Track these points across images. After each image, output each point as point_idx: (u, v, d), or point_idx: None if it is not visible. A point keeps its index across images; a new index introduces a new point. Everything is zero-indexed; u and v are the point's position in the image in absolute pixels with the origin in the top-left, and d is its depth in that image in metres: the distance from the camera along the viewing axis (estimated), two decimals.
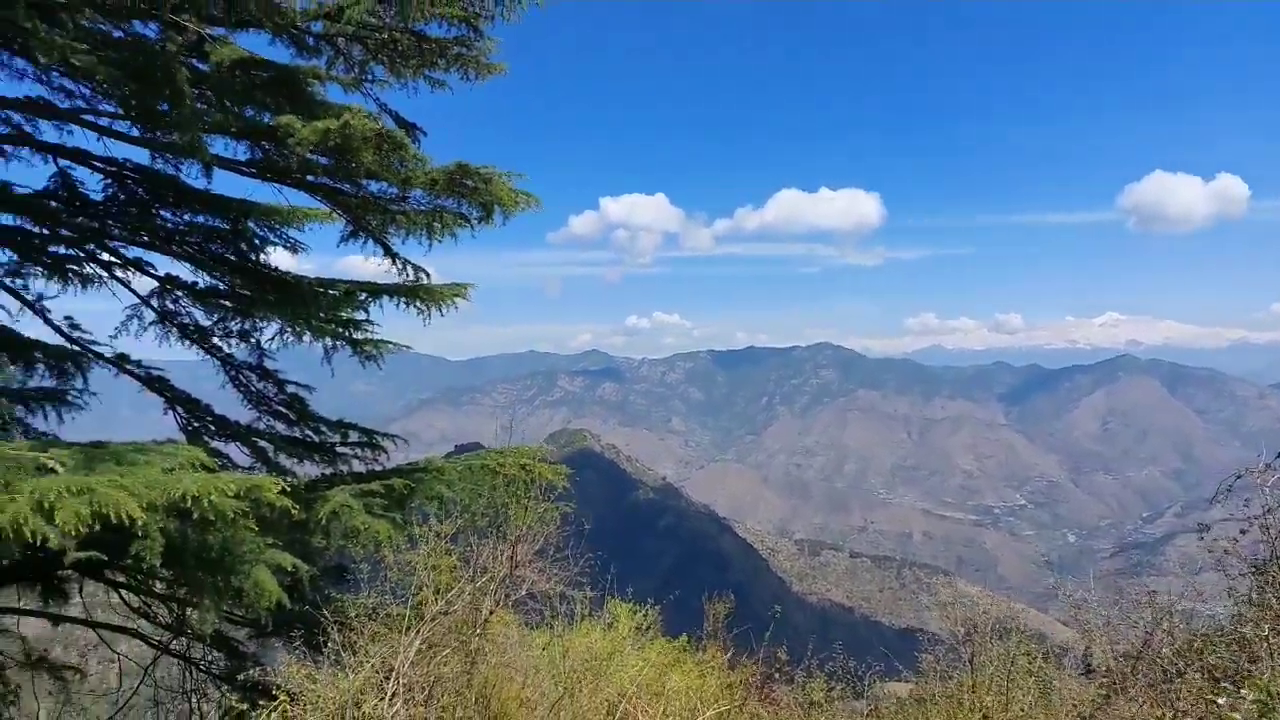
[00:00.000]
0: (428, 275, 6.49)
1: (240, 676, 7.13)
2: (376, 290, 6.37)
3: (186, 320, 6.78)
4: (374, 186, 5.96)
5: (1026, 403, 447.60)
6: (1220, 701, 5.21)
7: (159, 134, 5.61)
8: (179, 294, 6.61)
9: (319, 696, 4.93)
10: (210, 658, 7.46)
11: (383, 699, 4.90)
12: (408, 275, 6.50)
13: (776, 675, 8.73)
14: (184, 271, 6.50)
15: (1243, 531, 6.75)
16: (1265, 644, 5.38)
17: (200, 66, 5.37)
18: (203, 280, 6.54)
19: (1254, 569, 6.67)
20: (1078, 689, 7.84)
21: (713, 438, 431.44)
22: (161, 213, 6.28)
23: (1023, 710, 6.96)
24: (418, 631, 5.31)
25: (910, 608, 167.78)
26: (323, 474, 6.87)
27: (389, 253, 6.40)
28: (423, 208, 5.98)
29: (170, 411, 6.91)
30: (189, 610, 6.80)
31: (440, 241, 6.05)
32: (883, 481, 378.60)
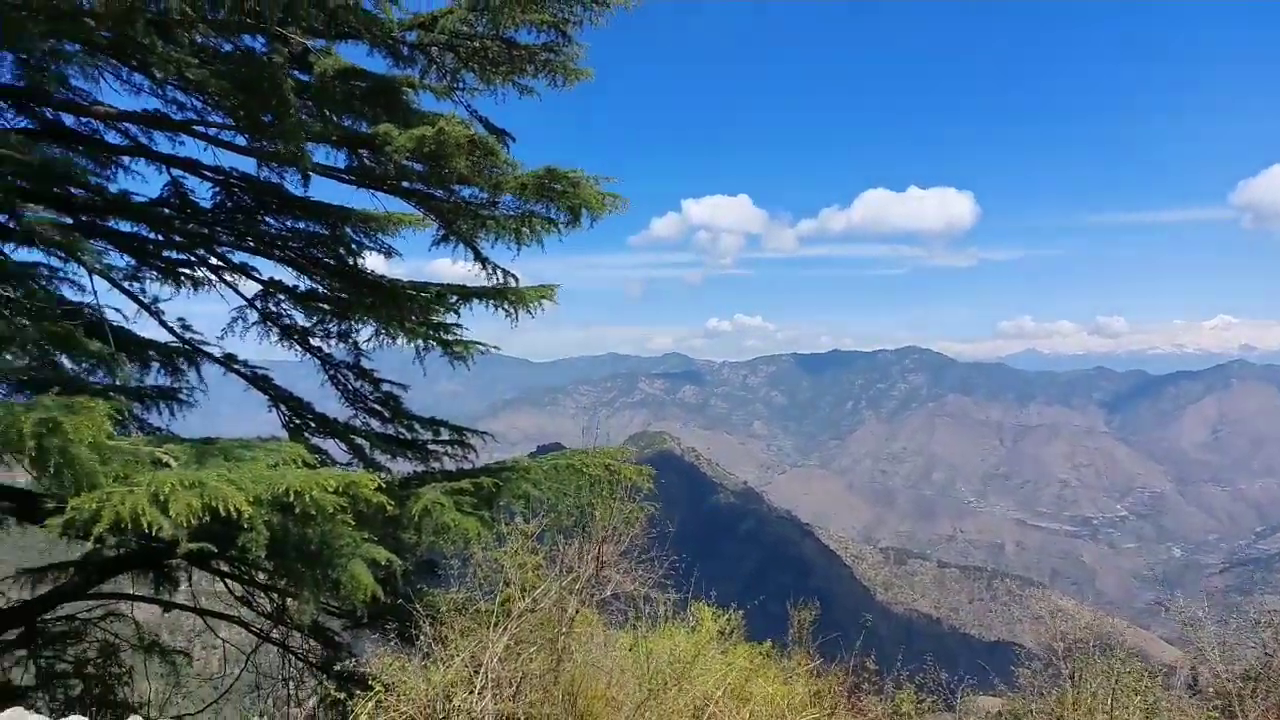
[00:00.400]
0: (515, 279, 6.60)
1: (336, 666, 7.38)
2: (466, 293, 6.51)
3: (288, 322, 7.08)
4: (465, 192, 6.07)
5: (1129, 410, 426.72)
6: None
7: (264, 143, 5.86)
8: (281, 297, 6.90)
9: (411, 688, 5.05)
10: (307, 647, 7.75)
11: (472, 693, 4.99)
12: (496, 279, 6.61)
13: (864, 685, 8.54)
14: (286, 275, 6.79)
15: None
16: None
17: (302, 77, 5.60)
18: (303, 284, 6.82)
19: None
20: (1191, 711, 7.43)
21: (795, 442, 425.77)
22: (265, 219, 6.56)
23: None
24: (505, 628, 5.38)
25: (1001, 620, 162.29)
26: (415, 471, 7.07)
27: (478, 257, 6.52)
28: (512, 212, 6.06)
29: (274, 409, 7.22)
30: (289, 600, 7.08)
31: (528, 245, 6.12)
32: (973, 490, 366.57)
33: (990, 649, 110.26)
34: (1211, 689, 7.56)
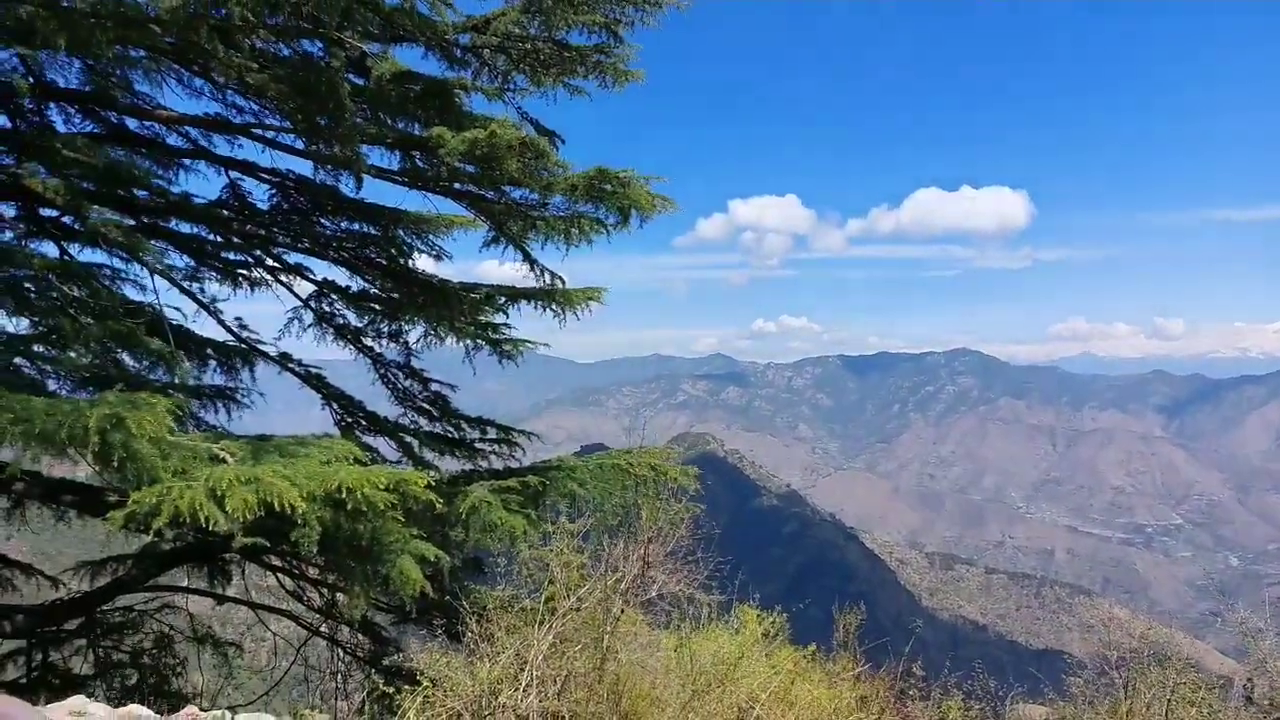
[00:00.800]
0: (562, 280, 6.63)
1: (385, 661, 7.48)
2: (515, 294, 6.57)
3: (341, 322, 7.21)
4: (516, 193, 6.11)
5: (1188, 415, 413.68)
6: None
7: (321, 146, 5.95)
8: (334, 297, 7.03)
9: (457, 684, 5.09)
10: (356, 641, 7.86)
11: (517, 690, 5.01)
12: (544, 280, 6.66)
13: (911, 691, 8.40)
14: (340, 276, 6.92)
15: None
16: None
17: (357, 81, 5.69)
18: (356, 284, 6.95)
19: None
20: None
21: (841, 445, 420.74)
22: (321, 220, 6.68)
23: None
24: (550, 626, 5.39)
25: (1050, 628, 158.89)
26: (463, 469, 7.14)
27: (527, 258, 6.56)
28: (562, 213, 6.08)
29: (326, 407, 7.36)
30: (339, 595, 7.19)
31: (577, 246, 6.14)
32: (1023, 495, 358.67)
33: (1038, 657, 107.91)
34: (1268, 700, 7.34)
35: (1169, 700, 6.84)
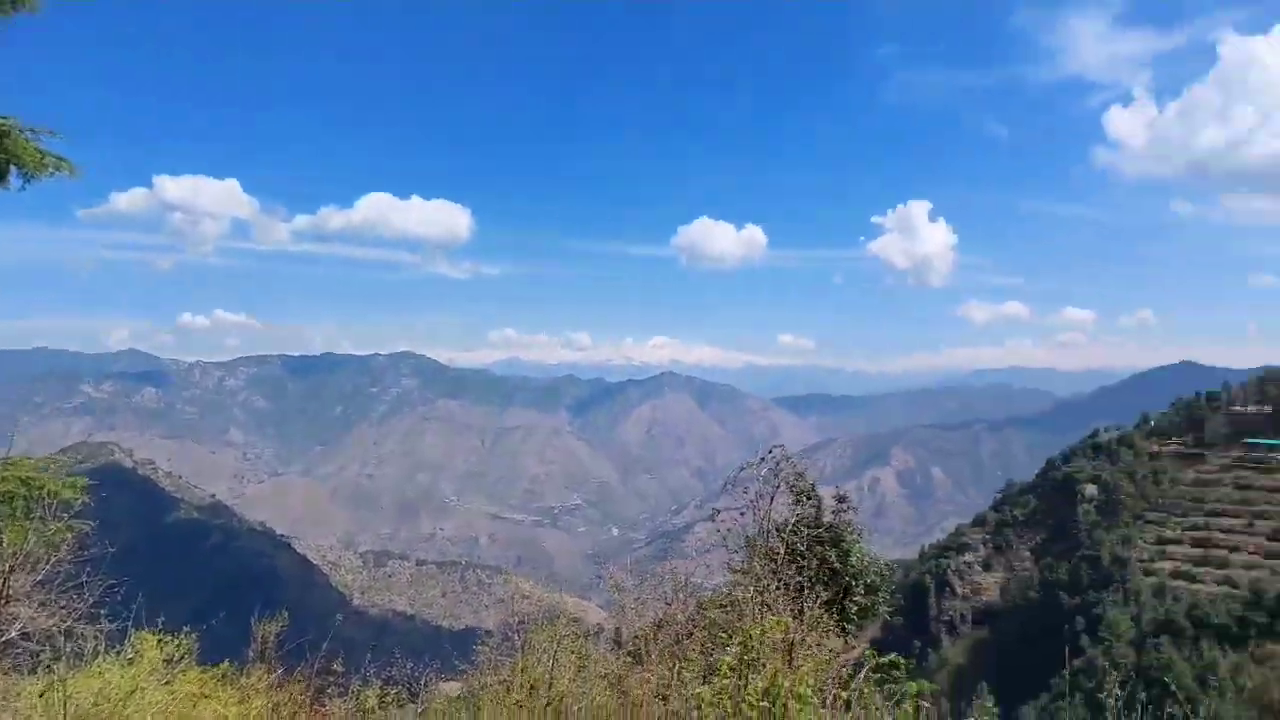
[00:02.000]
0: None
1: None
2: None
3: None
4: None
5: (589, 413, 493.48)
6: (716, 653, 6.54)
7: None
8: None
9: None
10: None
11: None
12: None
13: (329, 689, 8.55)
14: None
15: (741, 514, 8.59)
16: (750, 604, 6.91)
17: None
18: None
19: (746, 543, 8.54)
20: (614, 660, 8.96)
21: (276, 450, 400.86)
22: None
23: (568, 681, 7.75)
24: None
25: (470, 609, 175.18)
26: None
27: None
28: None
29: None
30: None
31: None
32: (454, 489, 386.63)
33: (458, 636, 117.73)
34: (629, 640, 9.23)
35: (555, 651, 8.13)
